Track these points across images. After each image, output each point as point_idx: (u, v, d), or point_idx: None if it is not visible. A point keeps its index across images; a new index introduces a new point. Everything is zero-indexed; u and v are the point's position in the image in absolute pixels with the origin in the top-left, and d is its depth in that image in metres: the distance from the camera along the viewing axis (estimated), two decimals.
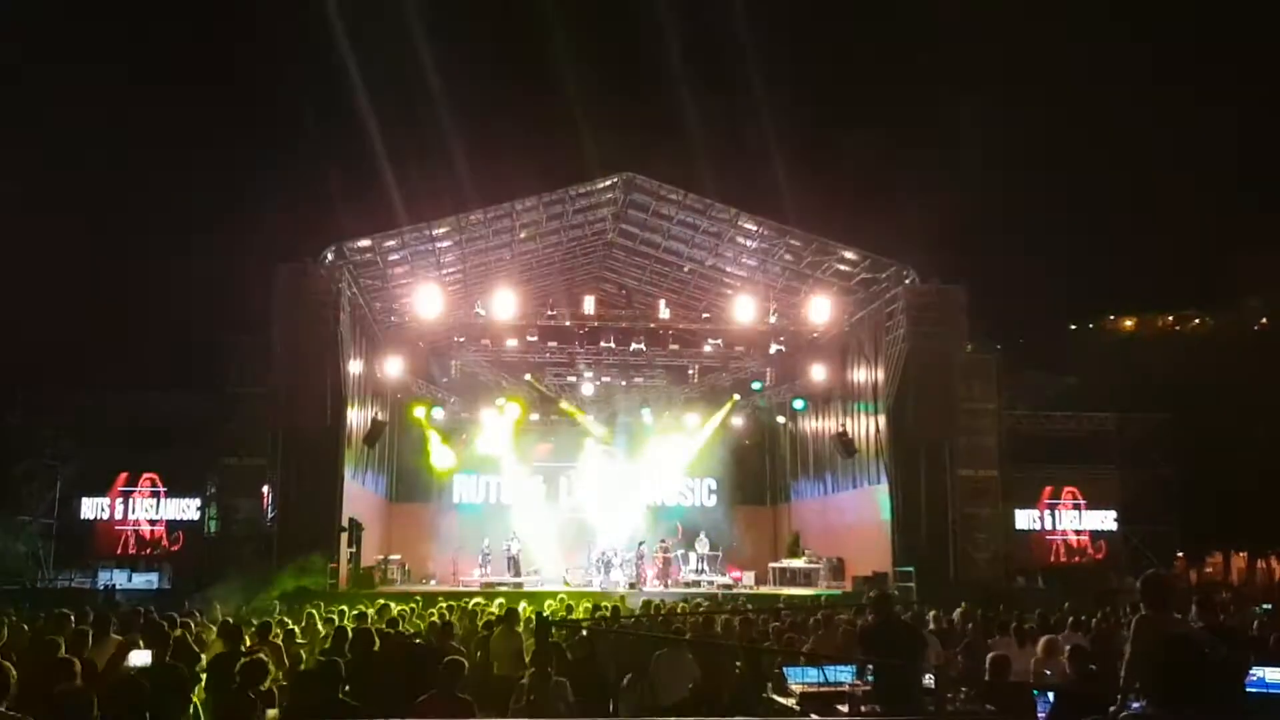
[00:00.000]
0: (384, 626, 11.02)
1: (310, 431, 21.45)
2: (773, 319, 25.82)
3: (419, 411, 28.69)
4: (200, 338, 29.12)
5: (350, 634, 9.05)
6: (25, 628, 10.04)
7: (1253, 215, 61.55)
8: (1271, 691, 6.64)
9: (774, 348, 26.38)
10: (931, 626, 11.89)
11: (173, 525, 24.28)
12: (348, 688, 7.08)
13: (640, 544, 26.28)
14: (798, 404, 29.59)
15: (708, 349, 27.00)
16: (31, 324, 29.80)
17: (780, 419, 31.49)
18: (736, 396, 30.06)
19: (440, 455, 29.96)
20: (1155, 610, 6.10)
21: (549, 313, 25.67)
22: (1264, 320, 62.45)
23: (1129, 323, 74.36)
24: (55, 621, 9.76)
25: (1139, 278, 66.20)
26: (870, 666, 7.56)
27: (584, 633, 9.73)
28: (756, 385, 29.97)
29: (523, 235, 25.73)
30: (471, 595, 19.47)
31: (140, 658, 8.27)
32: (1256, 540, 33.03)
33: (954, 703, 7.82)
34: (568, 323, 25.48)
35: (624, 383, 29.74)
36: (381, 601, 15.37)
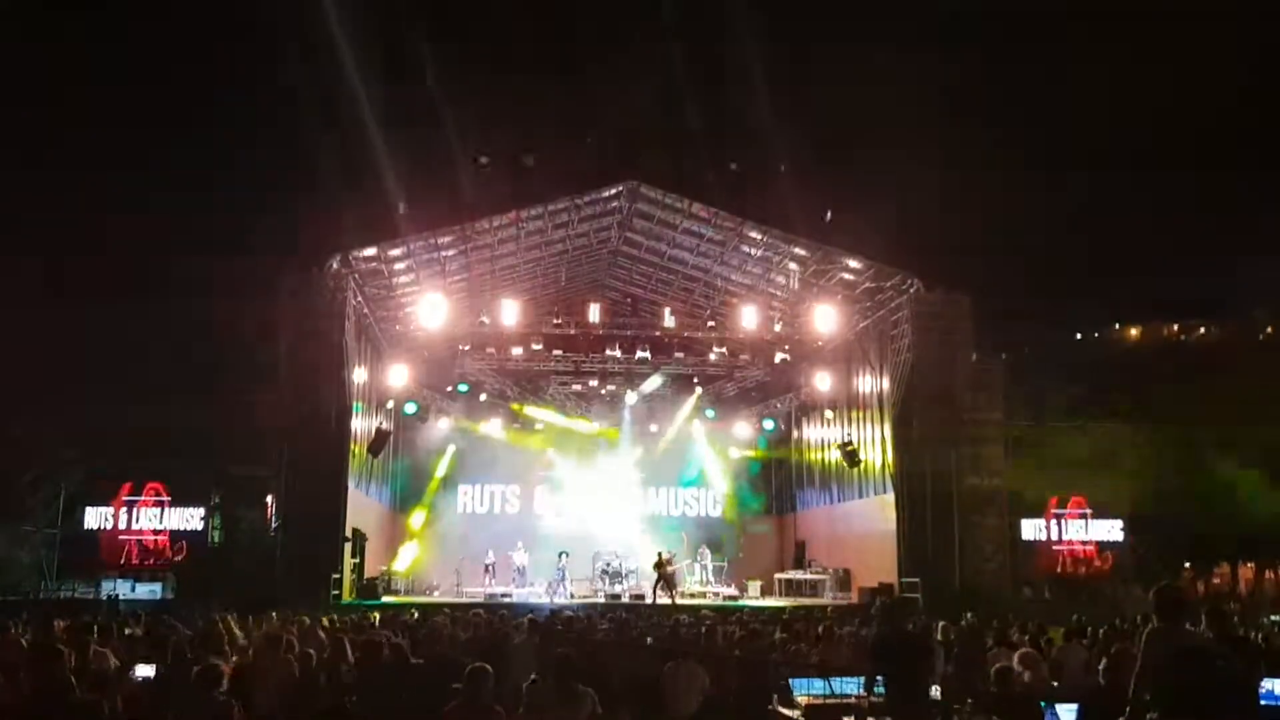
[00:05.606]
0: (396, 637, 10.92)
1: (314, 441, 21.44)
2: (778, 327, 25.78)
3: (422, 419, 28.69)
4: (205, 347, 29.11)
5: (357, 645, 8.97)
6: (24, 642, 9.97)
7: (1260, 224, 61.49)
8: None
9: (779, 356, 26.34)
10: (939, 637, 11.79)
11: (176, 535, 24.17)
12: (353, 698, 7.02)
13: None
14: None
15: (713, 357, 26.96)
16: (35, 334, 29.78)
17: (786, 429, 31.50)
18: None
19: (444, 465, 29.98)
20: (1168, 622, 6.03)
21: (555, 321, 25.65)
22: (1270, 329, 62.21)
23: (1134, 332, 74.17)
24: (63, 630, 9.73)
25: (1145, 287, 66.08)
26: (879, 678, 7.48)
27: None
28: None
29: (528, 244, 25.75)
30: (476, 606, 19.39)
31: (144, 669, 8.24)
32: (1264, 551, 32.89)
33: (960, 714, 7.75)
34: (573, 331, 25.45)
35: (629, 391, 29.71)
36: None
